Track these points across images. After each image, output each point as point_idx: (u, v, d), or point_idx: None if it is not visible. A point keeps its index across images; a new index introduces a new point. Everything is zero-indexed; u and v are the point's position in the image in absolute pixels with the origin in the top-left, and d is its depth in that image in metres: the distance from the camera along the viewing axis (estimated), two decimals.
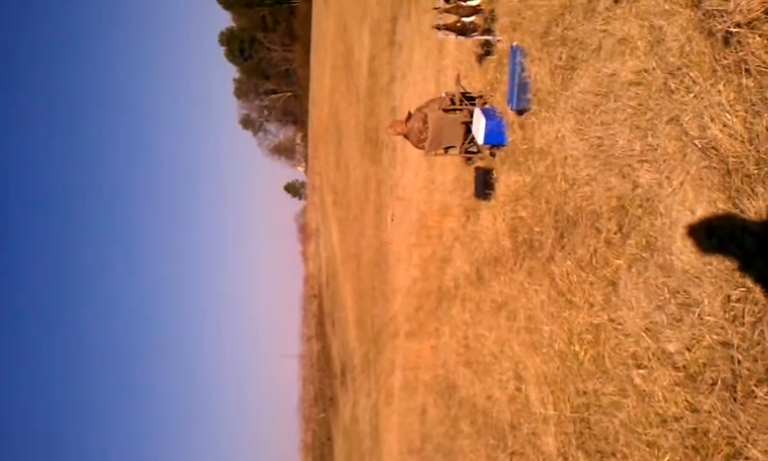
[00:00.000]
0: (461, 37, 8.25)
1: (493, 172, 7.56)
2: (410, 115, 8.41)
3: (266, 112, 69.58)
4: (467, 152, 8.20)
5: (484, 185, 7.66)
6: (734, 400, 3.15)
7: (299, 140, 67.80)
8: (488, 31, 8.00)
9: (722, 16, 3.35)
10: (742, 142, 3.21)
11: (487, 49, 8.36)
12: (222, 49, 67.17)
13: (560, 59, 5.69)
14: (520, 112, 6.68)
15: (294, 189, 74.27)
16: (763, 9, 3.04)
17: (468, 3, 8.01)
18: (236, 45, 64.29)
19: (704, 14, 3.55)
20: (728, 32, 3.32)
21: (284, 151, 71.37)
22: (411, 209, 13.86)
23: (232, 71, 69.86)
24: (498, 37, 7.71)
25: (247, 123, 71.14)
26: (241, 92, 69.64)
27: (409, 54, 15.20)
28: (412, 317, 12.41)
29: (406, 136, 8.42)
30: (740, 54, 3.23)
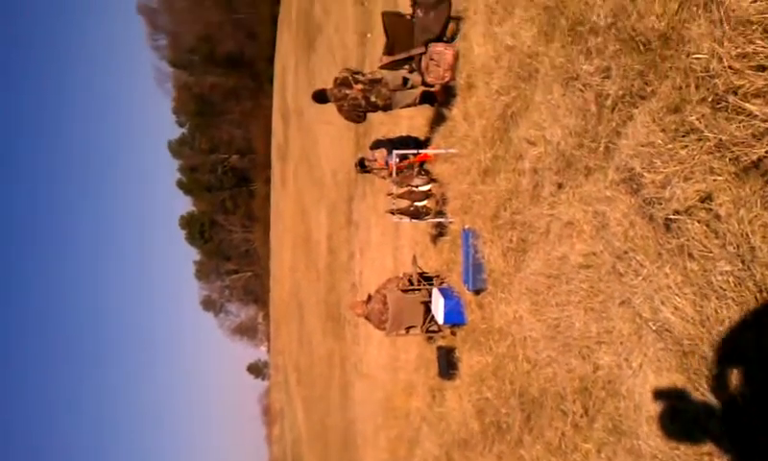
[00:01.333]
0: (414, 221, 8.50)
1: (456, 351, 7.52)
2: (370, 297, 8.45)
3: (227, 293, 69.55)
4: (428, 331, 8.19)
5: (447, 365, 7.59)
6: None
7: (260, 319, 67.37)
8: (440, 213, 8.26)
9: (660, 204, 3.50)
10: (694, 325, 3.25)
11: (440, 230, 8.59)
12: (182, 232, 68.29)
13: (510, 241, 5.85)
14: (477, 292, 6.76)
15: (257, 370, 72.75)
16: (698, 197, 3.19)
17: (420, 188, 8.35)
18: (196, 228, 65.33)
19: (643, 201, 3.72)
20: (667, 218, 3.46)
21: (246, 331, 70.64)
22: (376, 388, 13.60)
23: (193, 254, 70.65)
24: (450, 220, 7.95)
25: (208, 304, 70.81)
26: (202, 274, 69.87)
27: (366, 232, 15.56)
28: None
29: (367, 318, 8.41)
30: (682, 239, 3.35)
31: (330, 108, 8.63)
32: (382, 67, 8.00)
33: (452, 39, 7.94)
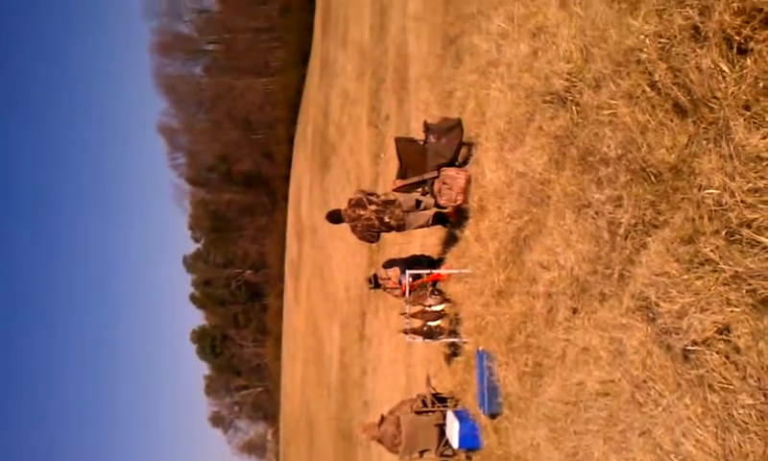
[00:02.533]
0: (428, 341, 8.45)
1: None
2: (383, 419, 8.28)
3: (236, 409, 68.43)
4: (442, 455, 7.97)
5: None
6: None
7: (270, 437, 65.84)
8: (453, 333, 8.21)
9: (677, 334, 3.48)
10: (717, 459, 3.16)
11: (454, 350, 8.52)
12: (194, 346, 67.98)
13: (526, 364, 5.78)
14: (493, 416, 6.63)
15: None
16: (716, 329, 3.17)
17: (433, 308, 8.33)
18: (208, 342, 65.09)
19: (660, 330, 3.70)
20: (686, 348, 3.43)
21: (254, 448, 68.91)
22: None
23: (203, 368, 70.02)
24: (464, 340, 7.89)
25: (217, 421, 69.48)
26: (211, 390, 68.97)
27: (379, 348, 15.41)
28: None
29: (380, 441, 8.22)
30: (701, 370, 3.31)
31: (344, 226, 8.79)
32: (396, 190, 8.18)
33: (464, 164, 8.15)
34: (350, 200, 8.47)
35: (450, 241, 9.12)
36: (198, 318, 69.46)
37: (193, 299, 67.70)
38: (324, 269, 27.54)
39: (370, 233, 8.43)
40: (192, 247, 69.07)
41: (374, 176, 17.20)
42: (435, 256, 9.45)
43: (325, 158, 28.78)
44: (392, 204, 8.24)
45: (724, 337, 3.17)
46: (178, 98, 59.22)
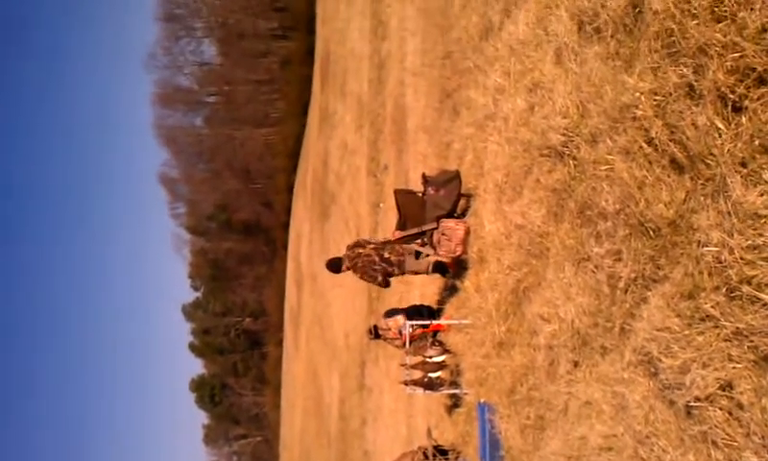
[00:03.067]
0: (428, 392, 8.38)
1: None
2: None
3: (235, 459, 67.45)
4: None
5: None
6: None
7: None
8: (454, 384, 8.16)
9: (680, 389, 3.47)
10: None
11: (455, 401, 8.45)
12: (192, 396, 67.30)
13: (528, 418, 5.73)
14: None
15: None
16: (718, 385, 3.17)
17: (434, 359, 8.29)
18: (207, 391, 64.49)
19: (662, 386, 3.69)
20: (688, 404, 3.42)
21: None
22: None
23: (202, 417, 69.21)
24: (465, 391, 7.84)
25: None
26: (210, 439, 68.09)
27: (379, 397, 15.27)
28: None
29: None
30: (704, 427, 3.29)
31: (344, 274, 8.86)
32: (395, 242, 8.21)
33: (463, 215, 8.20)
34: (348, 245, 8.60)
35: (450, 292, 9.12)
36: (197, 366, 69.16)
37: (192, 347, 67.31)
38: (323, 317, 27.48)
39: (372, 270, 8.46)
40: (191, 295, 69.11)
41: (373, 225, 17.28)
42: (435, 307, 9.45)
43: (325, 207, 28.92)
44: (390, 243, 8.35)
45: (727, 393, 3.16)
46: (178, 149, 59.74)
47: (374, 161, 18.61)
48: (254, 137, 51.58)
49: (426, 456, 8.02)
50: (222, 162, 55.58)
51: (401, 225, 8.14)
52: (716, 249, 3.14)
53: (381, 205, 16.52)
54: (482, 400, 6.92)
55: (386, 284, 8.78)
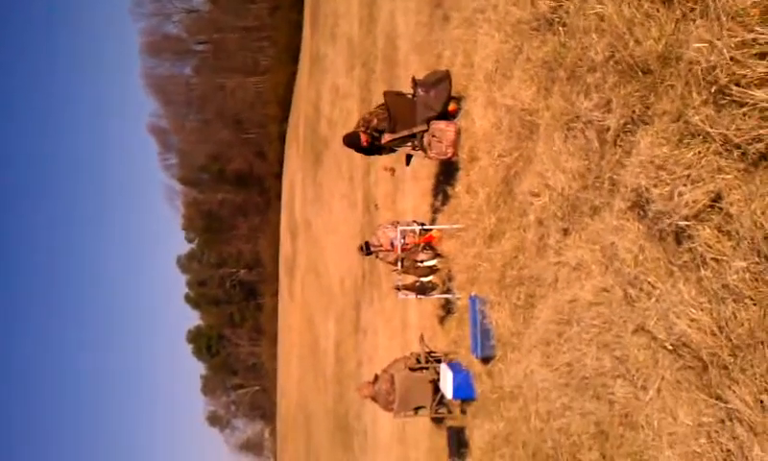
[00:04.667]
0: (420, 297, 8.37)
1: (466, 430, 7.23)
2: (377, 377, 8.20)
3: (233, 408, 68.00)
4: (436, 412, 7.90)
5: (458, 444, 7.27)
6: None
7: (267, 435, 65.57)
8: (447, 291, 8.16)
9: (669, 216, 3.41)
10: (713, 334, 3.10)
11: (448, 308, 8.46)
12: (189, 347, 67.69)
13: (518, 298, 5.72)
14: (486, 360, 6.57)
15: None
16: (708, 198, 3.11)
17: (425, 264, 8.26)
18: (204, 342, 64.77)
19: (651, 220, 3.63)
20: (678, 229, 3.37)
21: (252, 447, 68.47)
22: None
23: (200, 368, 69.69)
24: (457, 296, 7.83)
25: (214, 420, 69.08)
26: (208, 389, 68.64)
27: (374, 338, 15.34)
28: None
29: (374, 399, 8.13)
30: (693, 246, 3.25)
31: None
32: (386, 144, 8.08)
33: (454, 117, 8.07)
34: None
35: (442, 201, 9.08)
36: (193, 318, 69.35)
37: (188, 299, 67.45)
38: (318, 263, 27.48)
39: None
40: (186, 247, 68.95)
41: (366, 167, 17.13)
42: (426, 222, 9.37)
43: (318, 154, 28.70)
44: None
45: (716, 206, 3.10)
46: (167, 99, 58.92)
47: (366, 103, 18.31)
48: (245, 86, 50.79)
49: (419, 361, 8.04)
50: (212, 112, 54.82)
51: (392, 127, 8.00)
52: (705, 45, 3.04)
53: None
54: (473, 294, 6.91)
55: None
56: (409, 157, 8.66)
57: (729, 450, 2.95)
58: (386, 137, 8.10)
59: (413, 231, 8.55)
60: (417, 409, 7.98)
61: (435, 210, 9.48)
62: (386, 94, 8.25)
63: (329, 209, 23.84)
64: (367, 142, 8.10)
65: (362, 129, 8.06)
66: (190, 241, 67.50)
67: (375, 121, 8.02)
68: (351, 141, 8.24)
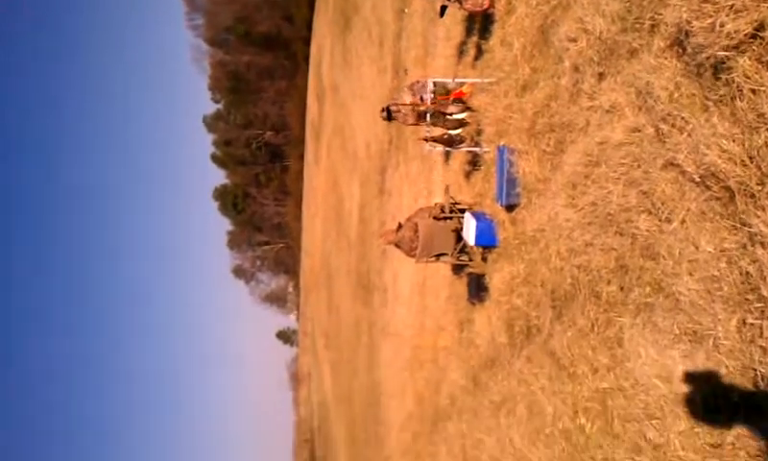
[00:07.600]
0: (448, 149, 8.44)
1: (486, 277, 7.47)
2: (400, 225, 8.40)
3: (258, 263, 69.85)
4: (458, 259, 8.12)
5: (477, 288, 7.54)
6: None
7: (290, 289, 67.82)
8: (475, 144, 8.19)
9: (710, 48, 3.41)
10: (743, 164, 3.17)
11: (474, 163, 8.52)
12: (215, 204, 68.91)
13: (548, 145, 5.77)
14: (510, 208, 6.69)
15: (286, 336, 72.99)
16: (751, 28, 3.10)
17: (455, 116, 8.27)
18: (230, 200, 65.81)
19: (690, 56, 3.62)
20: (716, 61, 3.37)
21: (276, 299, 71.12)
22: (403, 346, 13.61)
23: (225, 224, 71.19)
24: (486, 149, 7.87)
25: (239, 272, 71.32)
26: (234, 243, 70.32)
27: (398, 200, 15.50)
28: (408, 449, 11.84)
29: (398, 245, 8.37)
30: (731, 77, 3.26)
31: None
32: None
33: None
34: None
35: (475, 57, 8.95)
36: (219, 177, 70.09)
37: (214, 158, 67.92)
38: (344, 128, 27.41)
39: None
40: (212, 107, 68.72)
41: (398, 31, 16.71)
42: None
43: (347, 19, 27.99)
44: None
45: (758, 35, 3.09)
46: None
47: None
48: None
49: (443, 211, 8.18)
50: None
51: None
52: None
53: (406, 10, 15.75)
54: (501, 144, 6.96)
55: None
56: (443, 9, 8.49)
57: (747, 273, 3.08)
58: None
59: (443, 86, 8.49)
60: (438, 256, 8.20)
61: (466, 67, 9.36)
62: None
63: (358, 75, 23.52)
64: None
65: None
66: (216, 102, 67.24)
67: None
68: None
